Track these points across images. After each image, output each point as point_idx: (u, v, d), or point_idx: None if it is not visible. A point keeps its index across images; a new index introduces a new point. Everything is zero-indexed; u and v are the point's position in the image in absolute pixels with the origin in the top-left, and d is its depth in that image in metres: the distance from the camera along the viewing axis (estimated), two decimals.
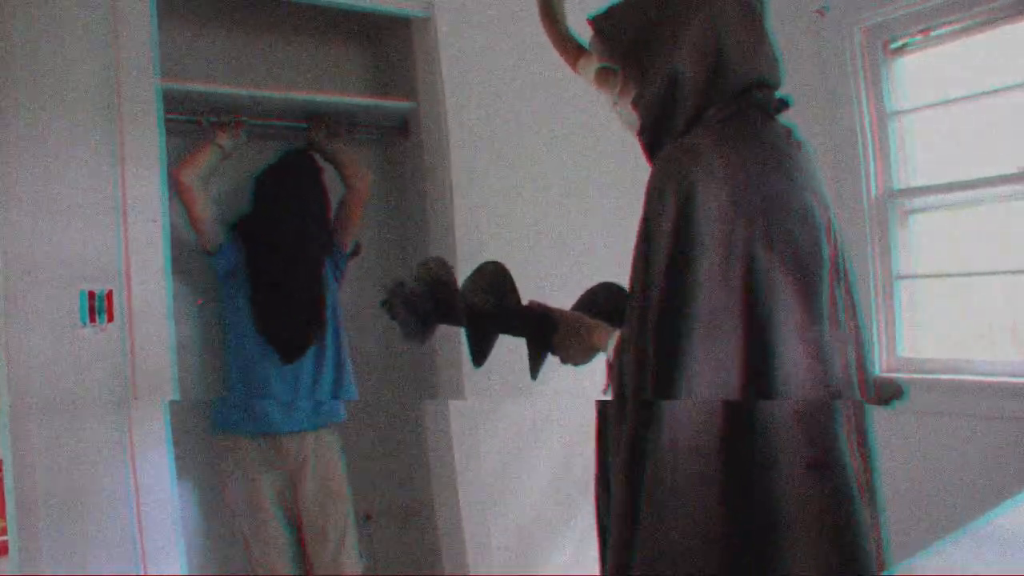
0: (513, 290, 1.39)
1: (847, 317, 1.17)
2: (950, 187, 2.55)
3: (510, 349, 1.42)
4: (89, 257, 1.95)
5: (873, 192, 2.66)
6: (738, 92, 1.16)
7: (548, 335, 1.36)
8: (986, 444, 2.31)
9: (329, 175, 2.53)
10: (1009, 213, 2.48)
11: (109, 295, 1.96)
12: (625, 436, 1.09)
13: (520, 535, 2.58)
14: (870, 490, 1.14)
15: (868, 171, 2.65)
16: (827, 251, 1.14)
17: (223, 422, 2.37)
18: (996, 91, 2.42)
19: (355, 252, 2.58)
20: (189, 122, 2.34)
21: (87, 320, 1.93)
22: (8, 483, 1.83)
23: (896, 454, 2.20)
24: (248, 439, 2.34)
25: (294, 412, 2.36)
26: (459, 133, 2.56)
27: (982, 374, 2.39)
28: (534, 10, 1.44)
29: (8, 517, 1.85)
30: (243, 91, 2.33)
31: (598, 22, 1.27)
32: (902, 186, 2.65)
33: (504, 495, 2.57)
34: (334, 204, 2.53)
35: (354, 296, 2.66)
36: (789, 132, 1.20)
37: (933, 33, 2.55)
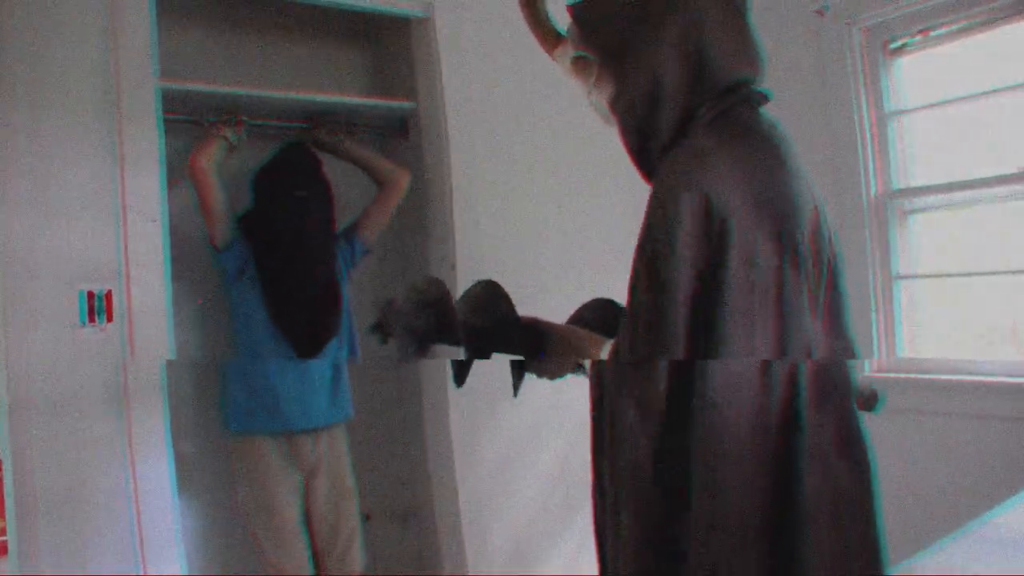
0: (510, 305, 1.37)
1: (836, 313, 1.18)
2: (949, 187, 2.55)
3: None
4: (89, 257, 1.95)
5: (872, 192, 2.66)
6: (724, 89, 1.16)
7: (540, 349, 1.35)
8: (986, 444, 2.31)
9: (330, 171, 2.52)
10: (1009, 213, 2.48)
11: (109, 295, 1.96)
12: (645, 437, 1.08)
13: (520, 535, 2.58)
14: (853, 502, 1.13)
15: (867, 171, 2.65)
16: (826, 244, 1.16)
17: (237, 422, 2.35)
18: (995, 91, 2.42)
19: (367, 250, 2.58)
20: (189, 122, 2.34)
21: (86, 320, 1.93)
22: (8, 483, 1.83)
23: (896, 454, 2.20)
24: (264, 438, 2.33)
25: (309, 409, 2.35)
26: (458, 133, 2.56)
27: (982, 374, 2.39)
28: None
29: (7, 517, 1.85)
30: (243, 91, 2.33)
31: (578, 10, 1.25)
32: (901, 186, 2.65)
33: (504, 495, 2.57)
34: (336, 199, 2.52)
35: (354, 296, 2.66)
36: (773, 126, 1.19)
37: (933, 33, 2.55)
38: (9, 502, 1.83)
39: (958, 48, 2.52)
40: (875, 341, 2.64)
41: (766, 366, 1.06)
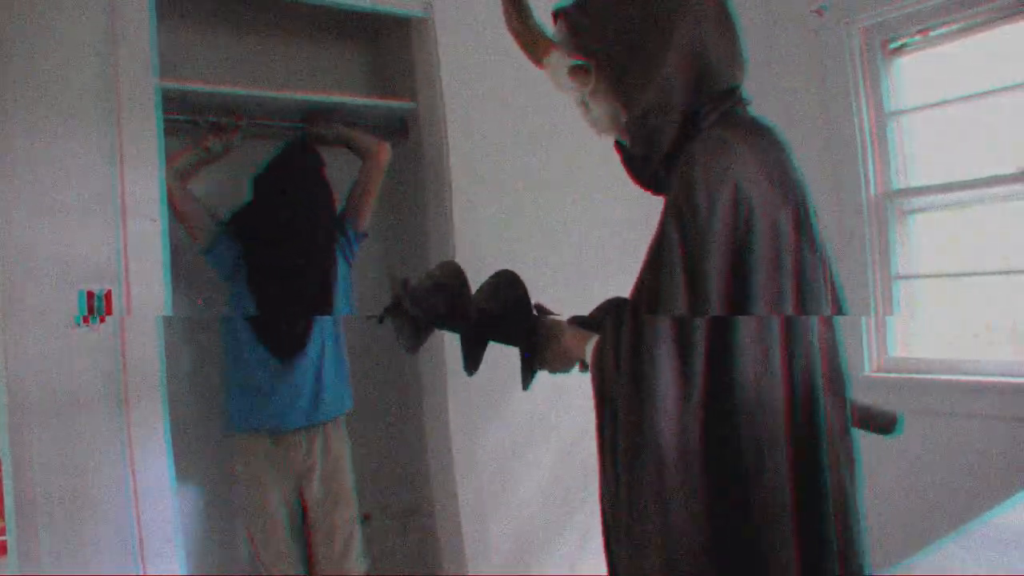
0: (525, 296, 1.37)
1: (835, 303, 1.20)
2: (949, 187, 2.55)
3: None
4: (88, 257, 1.95)
5: (872, 192, 2.66)
6: (720, 92, 1.16)
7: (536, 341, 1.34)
8: (985, 444, 2.31)
9: (331, 170, 2.52)
10: (1008, 213, 2.48)
11: (108, 295, 1.96)
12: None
13: (520, 535, 2.58)
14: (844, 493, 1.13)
15: (867, 171, 2.65)
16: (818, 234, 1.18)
17: (233, 421, 2.35)
18: (995, 91, 2.42)
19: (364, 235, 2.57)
20: (188, 122, 2.34)
21: (86, 320, 1.93)
22: (7, 483, 1.83)
23: (895, 454, 2.20)
24: (258, 438, 2.33)
25: (295, 409, 2.34)
26: (458, 133, 2.56)
27: (981, 374, 2.39)
28: None
29: (7, 517, 1.84)
30: (242, 91, 2.33)
31: (572, 16, 1.21)
32: (901, 186, 2.65)
33: (504, 495, 2.57)
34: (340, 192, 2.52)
35: (357, 280, 2.65)
36: (766, 123, 1.21)
37: (932, 33, 2.55)
38: (9, 501, 1.83)
39: (958, 48, 2.52)
40: (873, 341, 2.65)
41: (791, 348, 1.07)
